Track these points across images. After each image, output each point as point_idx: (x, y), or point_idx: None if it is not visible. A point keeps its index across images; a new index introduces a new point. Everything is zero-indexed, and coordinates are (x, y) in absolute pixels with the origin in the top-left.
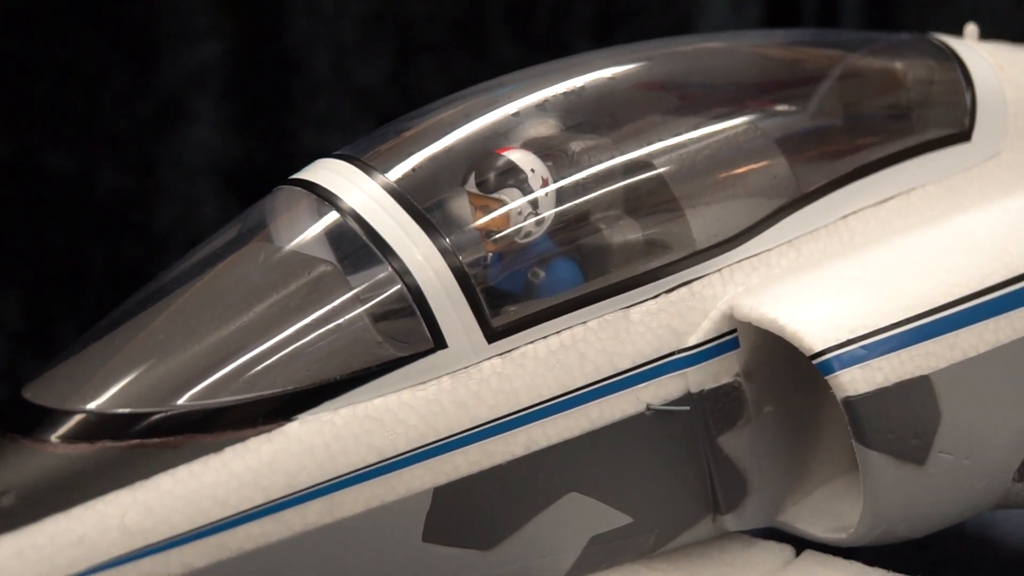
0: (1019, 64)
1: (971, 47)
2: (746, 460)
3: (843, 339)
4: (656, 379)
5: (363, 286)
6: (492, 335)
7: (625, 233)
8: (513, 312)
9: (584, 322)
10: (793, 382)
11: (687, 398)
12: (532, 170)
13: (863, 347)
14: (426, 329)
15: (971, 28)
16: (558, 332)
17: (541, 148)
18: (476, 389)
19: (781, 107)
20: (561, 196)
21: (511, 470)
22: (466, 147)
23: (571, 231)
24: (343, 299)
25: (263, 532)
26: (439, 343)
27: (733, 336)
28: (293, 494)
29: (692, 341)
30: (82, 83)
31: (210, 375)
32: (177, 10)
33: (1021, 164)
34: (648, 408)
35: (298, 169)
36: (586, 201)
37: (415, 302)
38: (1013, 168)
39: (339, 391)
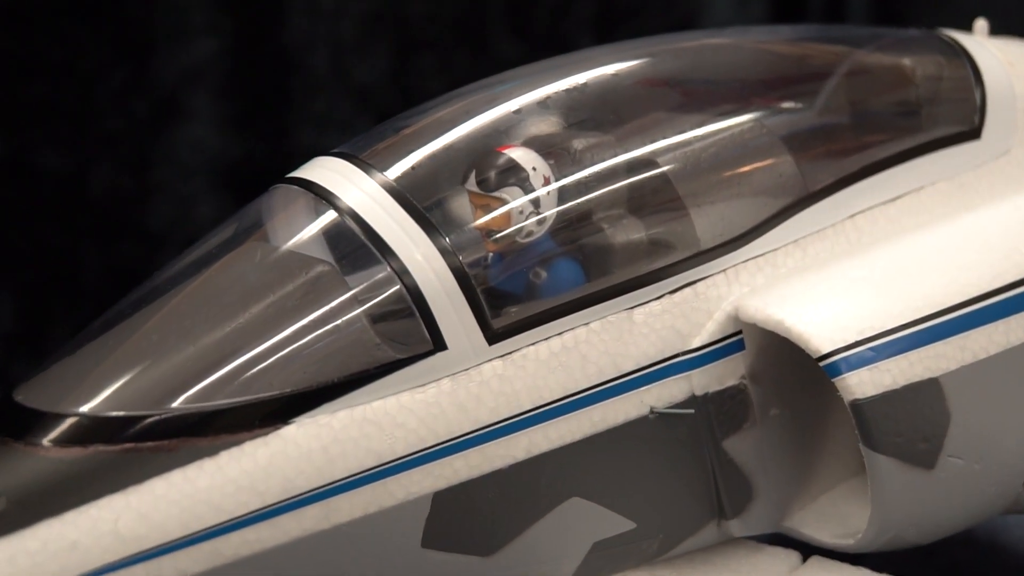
0: None
1: (981, 43)
2: (751, 464)
3: (851, 341)
4: (660, 381)
5: (361, 286)
6: (493, 336)
7: (628, 233)
8: (514, 313)
9: (586, 323)
10: (799, 384)
11: (691, 401)
12: (534, 168)
13: (871, 349)
14: (425, 330)
15: (981, 23)
16: (560, 333)
17: (543, 146)
18: (476, 392)
19: (787, 104)
20: (563, 195)
21: (512, 474)
22: (466, 145)
23: (573, 230)
24: (341, 300)
25: (259, 538)
26: (439, 345)
27: (738, 338)
28: (290, 499)
29: (696, 343)
30: (77, 81)
31: (205, 377)
32: (174, 7)
33: None
34: (652, 411)
35: (295, 168)
36: (588, 200)
37: (414, 303)
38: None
39: (337, 394)
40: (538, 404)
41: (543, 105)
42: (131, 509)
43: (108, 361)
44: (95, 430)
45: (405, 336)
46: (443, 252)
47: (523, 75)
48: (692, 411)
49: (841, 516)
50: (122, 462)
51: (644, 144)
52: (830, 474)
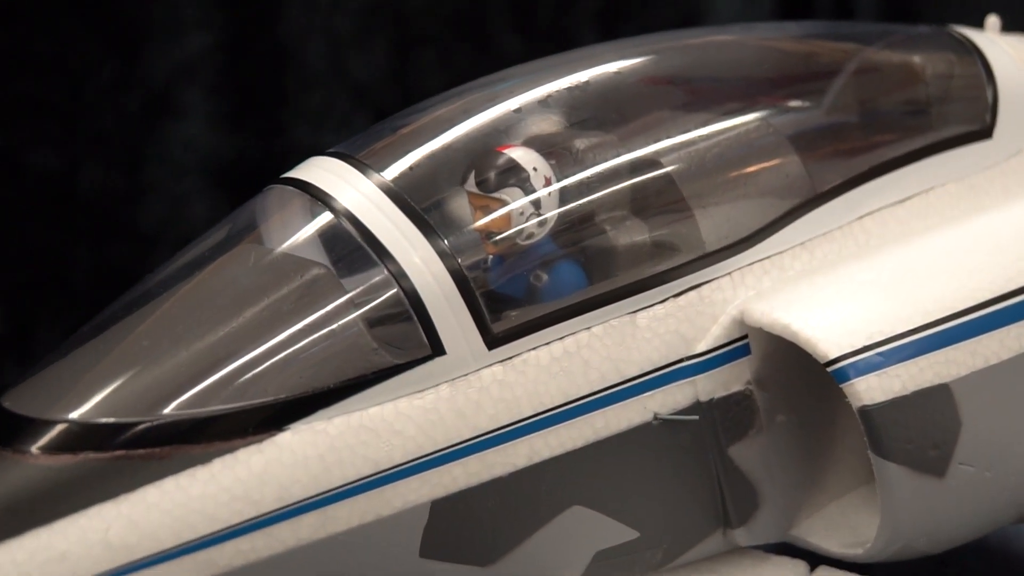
0: None
1: (992, 40)
2: (758, 471)
3: (859, 345)
4: (664, 387)
5: (358, 290)
6: (493, 341)
7: (631, 234)
8: (515, 317)
9: (588, 328)
10: (807, 390)
11: (696, 407)
12: (534, 169)
13: (880, 354)
14: (423, 335)
15: (992, 20)
16: (561, 338)
17: (544, 146)
18: (476, 398)
19: (794, 103)
20: (565, 196)
21: (512, 482)
22: (466, 145)
23: (575, 232)
24: (337, 303)
25: (253, 548)
26: (437, 350)
27: (744, 342)
28: (285, 508)
29: (701, 347)
30: (66, 77)
31: (198, 383)
32: (165, 1)
33: None
34: (655, 417)
35: (291, 167)
36: (591, 201)
37: (412, 307)
38: None
39: (333, 400)
40: (539, 410)
41: (544, 104)
42: (122, 518)
43: (99, 366)
44: (85, 437)
45: (403, 341)
46: (442, 255)
47: (524, 73)
48: (697, 417)
49: (850, 525)
50: (113, 470)
51: (647, 144)
52: (838, 482)
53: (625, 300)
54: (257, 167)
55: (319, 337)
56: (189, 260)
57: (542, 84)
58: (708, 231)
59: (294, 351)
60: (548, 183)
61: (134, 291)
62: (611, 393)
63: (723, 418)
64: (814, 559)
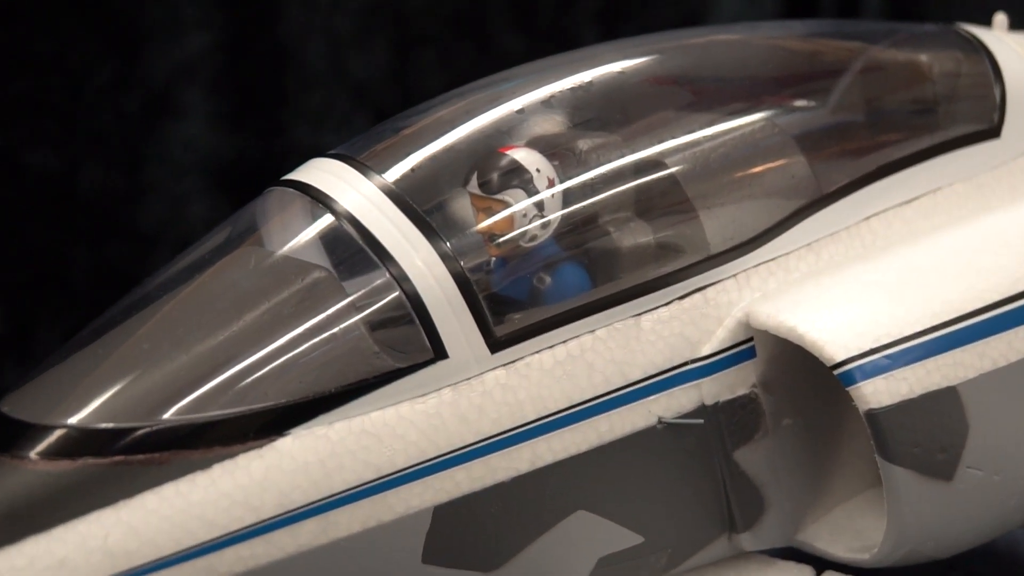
0: None
1: (1000, 38)
2: (763, 476)
3: (866, 348)
4: (668, 390)
5: (359, 293)
6: (495, 344)
7: (635, 236)
8: (518, 320)
9: (592, 331)
10: (813, 393)
11: (701, 410)
12: (538, 170)
13: (887, 357)
14: (426, 338)
15: (1000, 18)
16: (565, 341)
17: (547, 147)
18: (479, 402)
19: (800, 103)
20: (568, 197)
21: (515, 487)
22: (468, 146)
23: (579, 234)
24: (338, 307)
25: (253, 554)
26: (439, 353)
27: (749, 345)
28: (285, 513)
29: (706, 350)
30: (66, 77)
31: (198, 388)
32: (165, 1)
33: None
34: (660, 421)
35: (291, 167)
36: (594, 203)
37: (414, 310)
38: None
39: (334, 404)
40: (542, 414)
41: (547, 104)
42: (121, 524)
43: (98, 371)
44: (84, 442)
45: (404, 344)
46: (444, 257)
47: (526, 73)
48: (702, 421)
49: (856, 529)
50: (112, 475)
51: (652, 144)
52: (845, 486)
53: (629, 303)
54: (257, 167)
55: (320, 341)
56: (189, 263)
57: (545, 84)
58: (713, 232)
59: (295, 355)
60: (551, 184)
61: (133, 294)
62: (615, 397)
63: (728, 422)
64: (820, 564)
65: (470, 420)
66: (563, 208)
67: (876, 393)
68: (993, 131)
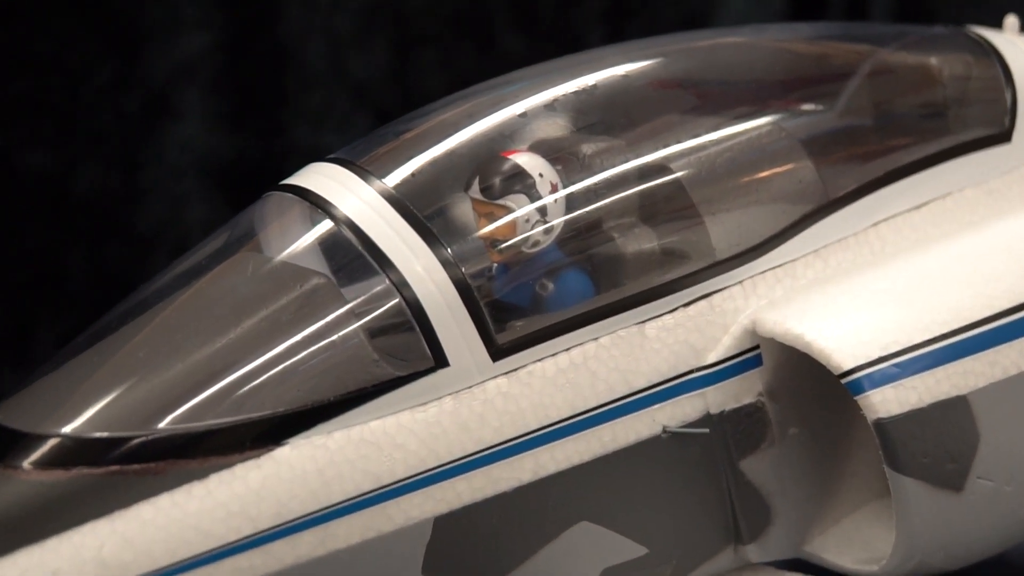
0: None
1: (1011, 41)
2: (770, 486)
3: (874, 356)
4: (673, 399)
5: (359, 300)
6: (497, 352)
7: (640, 242)
8: (520, 328)
9: (596, 338)
10: (820, 402)
11: (706, 419)
12: (540, 174)
13: (896, 365)
14: (426, 346)
15: (1011, 20)
16: (568, 349)
17: (550, 151)
18: (480, 410)
19: (807, 106)
20: (571, 202)
21: (517, 498)
22: (469, 150)
23: (582, 240)
24: (337, 314)
25: (251, 565)
26: (440, 361)
27: (756, 353)
28: (283, 524)
29: (712, 358)
30: (65, 77)
31: (194, 396)
32: (165, 1)
33: None
34: (664, 430)
35: (291, 168)
36: (598, 208)
37: (414, 317)
38: None
39: (333, 413)
40: (545, 423)
41: (550, 108)
42: (116, 535)
43: (92, 379)
44: (78, 452)
45: (405, 352)
46: (445, 263)
47: (529, 76)
48: (707, 430)
49: (864, 540)
50: (107, 486)
51: (656, 149)
52: (852, 496)
53: (633, 310)
54: (257, 167)
55: (318, 348)
56: (186, 269)
57: (548, 87)
58: (719, 238)
59: (293, 363)
60: (554, 189)
61: (129, 300)
62: (619, 406)
63: (734, 431)
64: None
65: (471, 429)
66: (566, 213)
67: (885, 402)
68: (1004, 135)
